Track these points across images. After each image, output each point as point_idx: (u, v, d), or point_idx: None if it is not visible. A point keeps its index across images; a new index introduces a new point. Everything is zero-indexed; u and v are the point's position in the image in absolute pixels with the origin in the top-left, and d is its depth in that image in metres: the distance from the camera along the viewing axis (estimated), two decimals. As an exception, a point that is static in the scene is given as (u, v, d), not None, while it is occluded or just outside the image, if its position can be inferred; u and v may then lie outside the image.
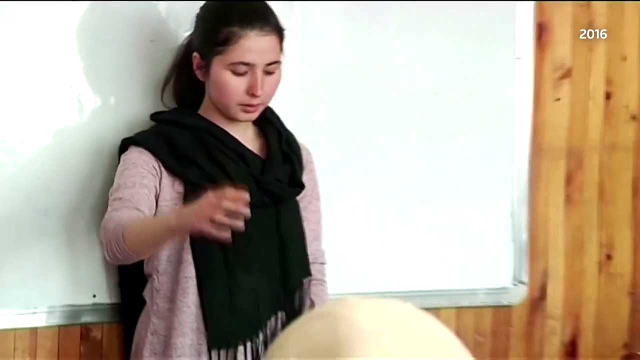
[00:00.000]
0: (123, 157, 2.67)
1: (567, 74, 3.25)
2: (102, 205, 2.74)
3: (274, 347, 1.08)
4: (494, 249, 3.20)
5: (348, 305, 1.09)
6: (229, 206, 2.37)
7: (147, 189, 2.63)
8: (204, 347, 2.61)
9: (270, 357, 1.07)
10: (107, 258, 2.64)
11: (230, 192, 2.41)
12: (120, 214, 2.61)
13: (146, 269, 2.70)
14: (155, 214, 2.67)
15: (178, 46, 2.74)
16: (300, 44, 2.87)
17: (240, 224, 2.41)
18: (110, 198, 2.64)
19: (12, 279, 2.77)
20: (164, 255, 2.68)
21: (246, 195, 2.43)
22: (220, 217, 2.41)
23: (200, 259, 2.61)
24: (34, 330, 2.80)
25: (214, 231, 2.40)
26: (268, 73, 2.58)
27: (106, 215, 2.64)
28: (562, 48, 3.25)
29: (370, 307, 1.09)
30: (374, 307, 1.09)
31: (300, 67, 2.88)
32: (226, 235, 2.41)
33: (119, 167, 2.67)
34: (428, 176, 3.12)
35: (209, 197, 2.42)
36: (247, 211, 2.42)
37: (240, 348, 2.58)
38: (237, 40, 2.54)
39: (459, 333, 1.03)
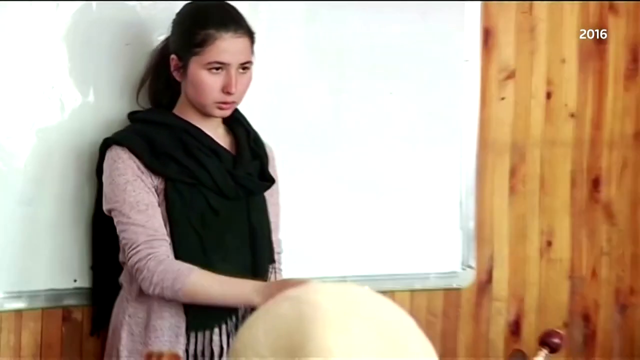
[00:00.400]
0: (110, 159, 2.66)
1: (511, 75, 3.26)
2: (82, 196, 2.76)
3: (245, 326, 1.10)
4: (444, 236, 3.21)
5: (312, 289, 1.12)
6: None
7: (157, 208, 2.62)
8: (182, 329, 2.61)
9: (242, 335, 1.09)
10: (148, 291, 2.61)
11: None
12: (165, 264, 2.57)
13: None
14: None
15: (153, 50, 2.75)
16: (263, 47, 2.83)
17: None
18: (124, 218, 2.61)
19: (-1, 265, 2.84)
20: None
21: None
22: None
23: (179, 247, 2.61)
24: (19, 312, 2.80)
25: None
26: (241, 72, 2.60)
27: (141, 253, 2.59)
28: (506, 51, 3.25)
29: (332, 290, 1.12)
30: (335, 290, 1.12)
31: (264, 69, 2.84)
32: None
33: (114, 175, 2.65)
34: (383, 169, 3.13)
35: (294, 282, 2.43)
36: None
37: (216, 329, 2.59)
38: (213, 42, 2.56)
39: (412, 314, 1.08)
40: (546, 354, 2.01)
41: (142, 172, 2.64)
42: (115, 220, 2.65)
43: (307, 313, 1.06)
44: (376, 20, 3.11)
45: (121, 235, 2.65)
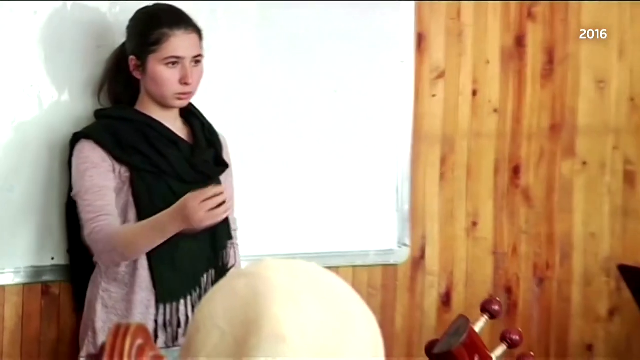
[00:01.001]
0: (77, 151, 2.67)
1: (441, 75, 3.28)
2: (56, 183, 2.79)
3: (205, 300, 1.10)
4: (383, 217, 3.23)
5: (265, 265, 1.11)
6: (212, 204, 2.46)
7: (110, 190, 2.64)
8: (152, 302, 2.64)
9: (202, 308, 1.09)
10: (103, 265, 2.67)
11: (208, 191, 2.49)
12: (104, 232, 2.60)
13: None
14: None
15: (110, 55, 2.77)
16: (220, 45, 2.90)
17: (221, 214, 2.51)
18: (81, 201, 2.65)
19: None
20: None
21: (219, 189, 2.54)
22: (207, 214, 2.47)
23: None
24: (1, 288, 2.82)
25: (209, 222, 2.48)
26: (194, 65, 2.63)
27: (89, 228, 2.63)
28: (437, 53, 3.27)
29: (283, 266, 1.11)
30: (286, 266, 1.11)
31: (221, 67, 2.90)
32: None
33: (78, 163, 2.67)
34: (329, 158, 3.15)
35: (192, 199, 2.48)
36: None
37: (182, 301, 2.63)
38: (167, 39, 2.60)
39: (355, 287, 1.08)
40: (486, 320, 2.03)
41: (106, 162, 2.65)
42: (77, 204, 2.67)
43: (260, 288, 1.06)
44: (322, 27, 3.12)
45: (80, 217, 2.66)
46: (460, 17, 3.29)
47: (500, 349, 1.85)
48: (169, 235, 2.57)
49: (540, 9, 3.36)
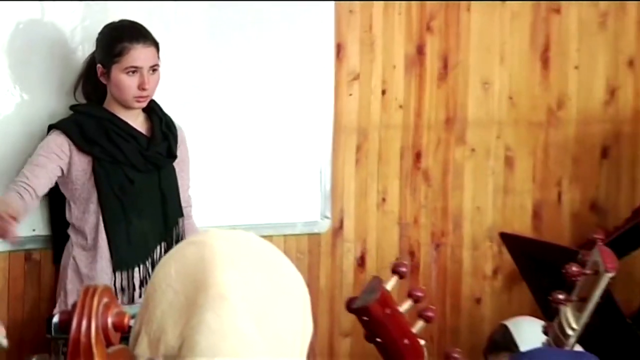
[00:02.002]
0: (48, 137, 2.67)
1: (356, 78, 3.30)
2: None
3: (160, 264, 1.08)
4: (309, 195, 3.27)
5: (210, 234, 1.10)
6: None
7: (46, 169, 2.60)
8: (110, 270, 2.66)
9: (158, 272, 1.07)
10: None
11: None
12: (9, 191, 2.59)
13: (67, 217, 2.71)
14: (71, 180, 2.67)
15: (84, 61, 2.75)
16: (176, 55, 2.91)
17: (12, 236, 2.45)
18: (25, 164, 2.64)
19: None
20: (80, 209, 2.70)
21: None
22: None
23: (105, 209, 2.65)
24: None
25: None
26: (151, 73, 2.62)
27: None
28: (353, 60, 3.29)
29: (226, 236, 1.10)
30: (228, 235, 1.10)
31: (179, 73, 2.92)
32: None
33: (41, 144, 2.66)
34: (265, 145, 3.17)
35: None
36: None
37: (136, 269, 2.66)
38: (128, 52, 2.58)
39: (285, 252, 1.09)
40: (396, 280, 2.06)
41: (63, 152, 2.63)
42: None
43: (206, 255, 1.05)
44: (260, 43, 3.13)
45: None
46: (371, 29, 3.30)
47: (407, 304, 1.82)
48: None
49: (437, 23, 3.39)
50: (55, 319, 2.50)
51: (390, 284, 1.77)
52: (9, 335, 2.68)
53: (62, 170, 2.64)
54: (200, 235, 1.13)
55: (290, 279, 1.09)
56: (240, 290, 1.02)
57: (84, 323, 0.99)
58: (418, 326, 1.85)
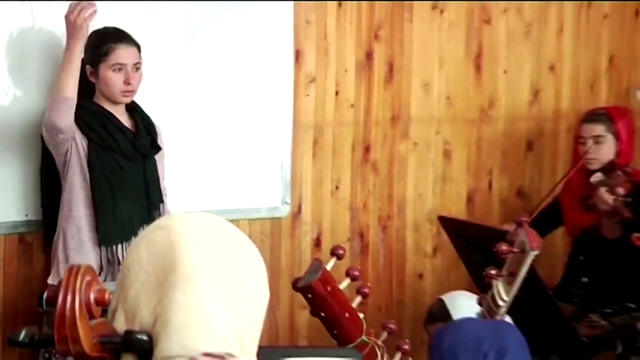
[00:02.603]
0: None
1: (312, 80, 3.30)
2: (32, 157, 2.76)
3: (132, 247, 1.06)
4: (271, 183, 3.26)
5: (176, 218, 1.07)
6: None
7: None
8: (96, 244, 2.64)
9: (130, 254, 1.05)
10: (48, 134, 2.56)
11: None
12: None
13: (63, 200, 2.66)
14: (71, 157, 2.61)
15: None
16: (152, 59, 2.85)
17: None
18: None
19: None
20: (68, 190, 2.65)
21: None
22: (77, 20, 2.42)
23: (96, 189, 2.63)
24: None
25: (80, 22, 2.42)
26: (135, 71, 2.62)
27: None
28: (309, 64, 3.29)
29: (190, 218, 1.06)
30: (195, 219, 1.06)
31: (153, 75, 2.86)
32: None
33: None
34: (233, 140, 3.14)
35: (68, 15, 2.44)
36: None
37: (119, 245, 2.63)
38: (113, 51, 2.59)
39: (251, 235, 1.06)
40: (335, 261, 1.99)
41: (74, 127, 2.57)
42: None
43: (173, 238, 1.02)
44: (229, 50, 3.09)
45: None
46: (326, 38, 3.29)
47: (345, 282, 1.96)
48: (75, 55, 2.49)
49: (383, 32, 3.38)
50: (45, 295, 2.51)
51: (330, 264, 1.83)
52: (5, 310, 2.84)
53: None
54: (166, 219, 1.10)
55: (252, 258, 1.06)
56: (205, 269, 0.99)
57: (69, 298, 0.98)
58: (357, 301, 1.93)
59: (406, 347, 2.03)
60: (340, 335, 1.94)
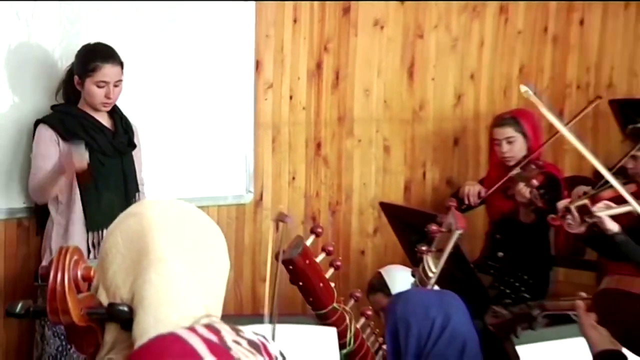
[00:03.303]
0: (37, 131, 2.63)
1: (270, 86, 3.31)
2: (27, 152, 2.74)
3: (108, 233, 1.03)
4: (237, 175, 3.26)
5: (146, 206, 1.04)
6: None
7: (49, 158, 2.59)
8: (83, 230, 2.64)
9: (107, 239, 1.03)
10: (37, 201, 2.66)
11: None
12: (34, 182, 2.59)
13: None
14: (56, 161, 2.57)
15: (65, 70, 2.72)
16: (132, 67, 2.82)
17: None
18: (34, 160, 2.62)
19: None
20: (61, 187, 2.63)
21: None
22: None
23: (83, 187, 2.63)
24: None
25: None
26: (115, 86, 2.61)
27: (31, 179, 2.61)
28: (268, 73, 3.29)
29: (162, 206, 1.03)
30: (165, 205, 1.03)
31: (134, 80, 2.84)
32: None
33: (36, 138, 2.62)
34: (203, 138, 3.14)
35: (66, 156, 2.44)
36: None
37: (103, 231, 2.57)
38: (99, 69, 2.58)
39: (218, 219, 1.03)
40: (314, 238, 1.98)
41: (52, 140, 2.59)
42: (32, 161, 2.63)
43: (144, 224, 1.00)
44: (200, 61, 3.08)
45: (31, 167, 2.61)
46: (283, 50, 3.30)
47: (321, 256, 1.97)
48: (56, 177, 2.50)
49: (332, 45, 3.40)
50: (39, 272, 2.44)
51: (309, 241, 1.86)
52: (5, 286, 2.82)
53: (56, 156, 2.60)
54: (138, 206, 1.06)
55: (212, 234, 1.04)
56: (175, 250, 0.98)
57: (59, 275, 0.98)
58: (329, 272, 1.95)
59: (369, 312, 2.04)
60: (315, 302, 1.92)
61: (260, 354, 0.94)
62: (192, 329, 0.91)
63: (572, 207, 2.45)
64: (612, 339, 1.40)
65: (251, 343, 0.95)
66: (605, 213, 2.42)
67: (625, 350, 1.40)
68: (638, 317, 1.35)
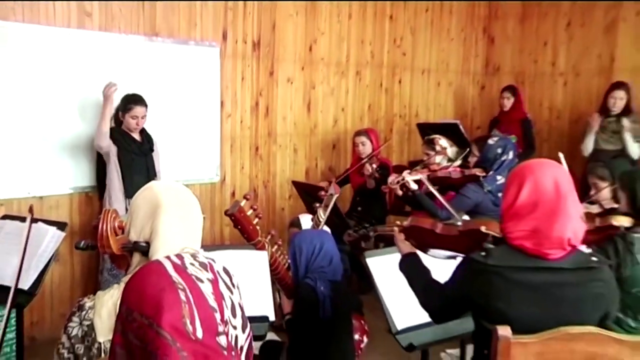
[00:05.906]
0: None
1: (229, 115, 3.29)
2: (92, 154, 2.74)
3: (135, 197, 1.03)
4: (210, 166, 3.30)
5: (156, 185, 1.05)
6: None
7: (106, 138, 2.53)
8: (124, 198, 2.64)
9: (134, 200, 1.01)
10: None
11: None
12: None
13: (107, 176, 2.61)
14: (110, 156, 2.62)
15: (115, 108, 2.72)
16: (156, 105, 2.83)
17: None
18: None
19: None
20: (109, 169, 2.62)
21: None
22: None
23: (124, 172, 2.65)
24: (68, 196, 2.80)
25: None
26: (143, 118, 2.69)
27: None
28: (227, 108, 3.28)
29: (165, 185, 1.04)
30: (166, 184, 1.04)
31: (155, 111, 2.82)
32: None
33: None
34: (191, 146, 3.10)
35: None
36: None
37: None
38: (133, 109, 2.67)
39: (200, 192, 1.05)
40: (245, 201, 1.82)
41: (110, 142, 2.60)
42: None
43: (155, 193, 1.01)
44: (186, 103, 2.99)
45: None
46: (236, 95, 3.31)
47: (250, 211, 1.87)
48: (107, 110, 2.44)
49: (264, 92, 3.33)
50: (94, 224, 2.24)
51: (242, 203, 1.83)
52: (80, 233, 2.83)
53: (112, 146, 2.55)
54: (150, 184, 1.06)
55: (192, 200, 1.06)
56: (173, 208, 1.01)
57: (104, 225, 1.03)
58: (256, 220, 1.94)
59: (280, 243, 2.00)
60: (248, 237, 1.91)
61: (207, 270, 0.90)
62: (167, 257, 0.88)
63: (406, 178, 2.59)
64: (412, 247, 1.53)
65: (202, 264, 0.91)
66: (410, 178, 2.69)
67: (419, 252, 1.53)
68: (424, 236, 1.51)
